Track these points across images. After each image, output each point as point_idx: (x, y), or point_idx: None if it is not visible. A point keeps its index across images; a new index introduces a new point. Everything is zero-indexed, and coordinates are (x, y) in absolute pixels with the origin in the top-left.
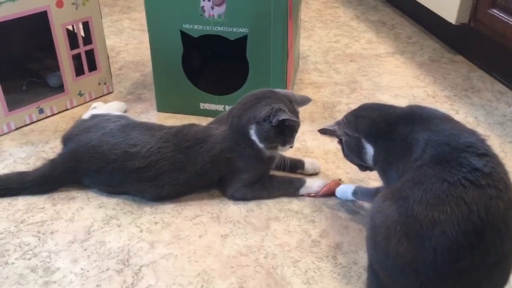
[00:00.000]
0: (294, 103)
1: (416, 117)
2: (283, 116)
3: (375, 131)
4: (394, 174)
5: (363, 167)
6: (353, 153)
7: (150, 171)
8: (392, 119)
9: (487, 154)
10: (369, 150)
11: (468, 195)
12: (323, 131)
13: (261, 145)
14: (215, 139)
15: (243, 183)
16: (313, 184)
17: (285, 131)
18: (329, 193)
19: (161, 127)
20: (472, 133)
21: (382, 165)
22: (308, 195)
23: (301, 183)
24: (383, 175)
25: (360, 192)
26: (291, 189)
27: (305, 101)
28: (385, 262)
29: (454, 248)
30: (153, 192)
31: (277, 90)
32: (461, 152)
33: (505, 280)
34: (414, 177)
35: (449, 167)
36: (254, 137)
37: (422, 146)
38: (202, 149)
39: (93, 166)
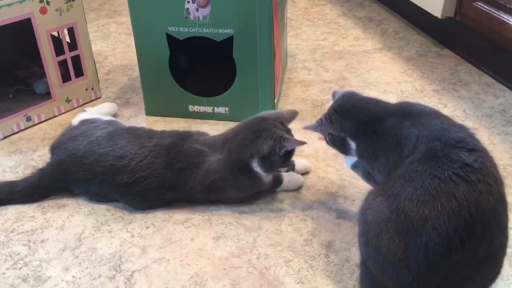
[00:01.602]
0: (285, 121)
1: (406, 112)
2: (292, 146)
3: (362, 130)
4: (382, 166)
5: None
6: (336, 147)
7: (139, 186)
8: (380, 116)
9: (476, 149)
10: (353, 146)
11: (459, 191)
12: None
13: (265, 174)
14: (209, 167)
15: (233, 200)
16: (290, 182)
17: (289, 155)
18: None
19: (150, 135)
20: (462, 128)
21: (369, 159)
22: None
23: (279, 182)
24: (370, 167)
25: (360, 168)
26: (271, 187)
27: (293, 115)
28: (377, 258)
29: (445, 244)
30: (142, 205)
31: (266, 114)
32: (451, 148)
33: (496, 273)
34: (405, 173)
35: (439, 163)
36: (257, 168)
37: (413, 142)
38: (194, 174)
39: (81, 177)
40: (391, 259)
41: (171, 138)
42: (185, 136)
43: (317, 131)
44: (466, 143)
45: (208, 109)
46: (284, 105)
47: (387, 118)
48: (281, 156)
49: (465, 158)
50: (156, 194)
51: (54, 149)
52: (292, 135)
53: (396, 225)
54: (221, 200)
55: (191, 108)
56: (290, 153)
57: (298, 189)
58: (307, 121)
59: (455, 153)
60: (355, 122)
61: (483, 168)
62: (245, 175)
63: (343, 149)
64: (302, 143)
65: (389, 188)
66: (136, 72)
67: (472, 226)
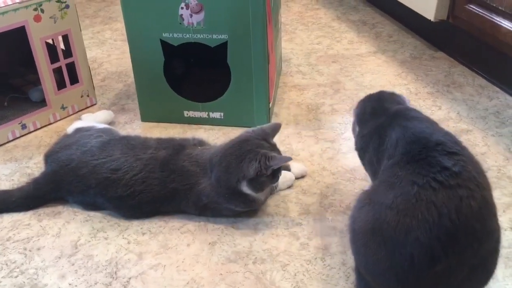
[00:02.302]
0: (268, 137)
1: (397, 115)
2: (278, 164)
3: (362, 117)
4: (368, 164)
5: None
6: (353, 133)
7: (133, 199)
8: (378, 112)
9: (457, 153)
10: (357, 131)
11: (438, 198)
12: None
13: (256, 194)
14: (202, 190)
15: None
16: (284, 183)
17: (277, 171)
18: None
19: (145, 145)
20: (446, 133)
21: (360, 152)
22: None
23: (275, 187)
24: (360, 160)
25: None
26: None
27: (275, 129)
28: (367, 266)
29: (428, 254)
30: (138, 217)
31: (247, 134)
32: (430, 151)
33: (487, 278)
34: (387, 179)
35: (418, 167)
36: (248, 191)
37: (394, 144)
38: (188, 195)
39: (75, 188)
40: (380, 268)
41: (166, 150)
42: (179, 147)
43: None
44: (447, 146)
45: (204, 115)
46: (279, 110)
47: (381, 116)
48: (269, 175)
49: (444, 162)
50: (151, 207)
51: (47, 158)
52: (277, 150)
53: (380, 235)
54: (217, 216)
55: (186, 113)
56: (278, 169)
57: (290, 187)
58: (302, 125)
59: (434, 157)
60: (362, 109)
61: (463, 172)
62: (239, 199)
63: (353, 132)
64: (288, 159)
65: (373, 194)
66: (131, 78)
67: (454, 233)
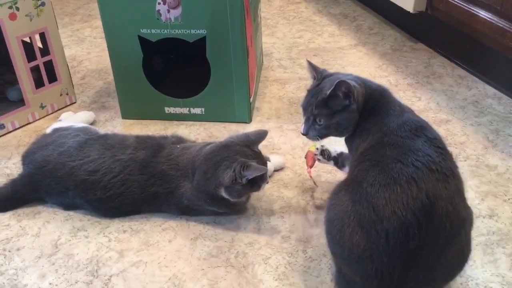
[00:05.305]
0: (252, 144)
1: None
2: (252, 174)
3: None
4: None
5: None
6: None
7: (113, 201)
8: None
9: (442, 148)
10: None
11: (418, 176)
12: None
13: (235, 200)
14: (183, 193)
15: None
16: None
17: (257, 180)
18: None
19: (123, 145)
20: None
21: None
22: None
23: None
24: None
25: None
26: None
27: (261, 136)
28: (342, 254)
29: (403, 229)
30: (118, 216)
31: (231, 140)
32: (423, 140)
33: (461, 264)
34: (372, 158)
35: (406, 150)
36: (226, 196)
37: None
38: (169, 198)
39: (53, 190)
40: (355, 252)
41: (144, 151)
42: (158, 147)
43: None
44: (437, 141)
45: (184, 110)
46: (260, 104)
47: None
48: (245, 184)
49: (429, 151)
50: (131, 208)
51: (24, 159)
52: (261, 158)
53: (358, 215)
54: (200, 215)
55: (167, 110)
56: (260, 178)
57: (270, 176)
58: (283, 119)
59: (423, 145)
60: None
61: (442, 162)
62: (220, 203)
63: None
64: (264, 169)
65: (354, 177)
66: (111, 76)
67: (430, 210)
